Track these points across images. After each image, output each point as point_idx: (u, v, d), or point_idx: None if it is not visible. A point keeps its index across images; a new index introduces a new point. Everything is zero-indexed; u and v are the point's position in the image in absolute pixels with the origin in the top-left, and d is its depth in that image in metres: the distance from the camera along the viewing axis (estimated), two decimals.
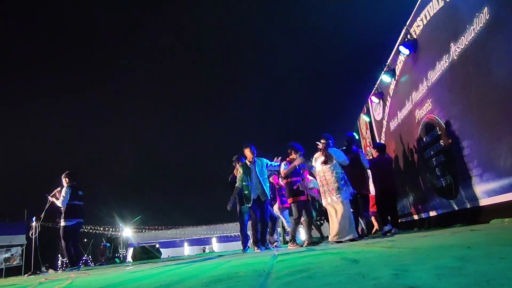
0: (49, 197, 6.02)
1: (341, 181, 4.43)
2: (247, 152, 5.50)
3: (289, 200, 5.12)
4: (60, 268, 7.50)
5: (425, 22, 5.16)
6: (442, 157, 5.00)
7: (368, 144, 9.18)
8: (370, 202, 6.22)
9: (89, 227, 15.61)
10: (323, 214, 7.01)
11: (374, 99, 7.73)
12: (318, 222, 7.70)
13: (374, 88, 7.73)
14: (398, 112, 6.63)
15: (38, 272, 6.37)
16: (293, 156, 5.09)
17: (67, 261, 5.97)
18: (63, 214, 5.79)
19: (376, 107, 8.10)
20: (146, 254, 11.71)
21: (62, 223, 5.77)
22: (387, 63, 6.75)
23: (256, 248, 5.30)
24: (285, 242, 8.25)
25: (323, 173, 4.58)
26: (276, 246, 6.18)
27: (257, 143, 5.58)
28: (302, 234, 8.75)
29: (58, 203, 5.83)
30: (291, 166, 4.97)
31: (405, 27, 5.71)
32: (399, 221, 5.81)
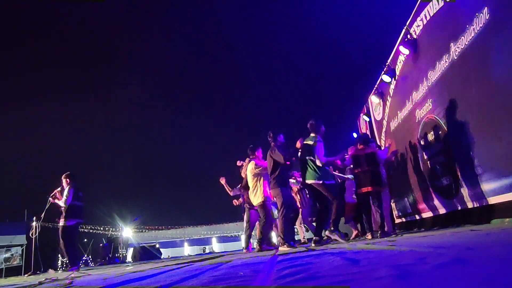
0: (50, 198, 6.01)
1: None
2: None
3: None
4: (60, 268, 7.51)
5: (425, 22, 5.16)
6: (442, 157, 5.00)
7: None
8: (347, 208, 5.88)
9: (89, 227, 15.58)
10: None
11: (374, 99, 7.72)
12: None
13: (374, 88, 7.73)
14: (398, 112, 6.63)
15: (38, 272, 6.38)
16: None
17: (67, 261, 5.97)
18: (63, 214, 5.79)
19: (376, 107, 8.09)
20: (146, 254, 11.71)
21: (62, 223, 5.77)
22: (387, 63, 6.74)
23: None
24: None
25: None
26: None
27: (256, 142, 5.58)
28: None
29: (61, 203, 5.82)
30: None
31: (405, 27, 5.70)
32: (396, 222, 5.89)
